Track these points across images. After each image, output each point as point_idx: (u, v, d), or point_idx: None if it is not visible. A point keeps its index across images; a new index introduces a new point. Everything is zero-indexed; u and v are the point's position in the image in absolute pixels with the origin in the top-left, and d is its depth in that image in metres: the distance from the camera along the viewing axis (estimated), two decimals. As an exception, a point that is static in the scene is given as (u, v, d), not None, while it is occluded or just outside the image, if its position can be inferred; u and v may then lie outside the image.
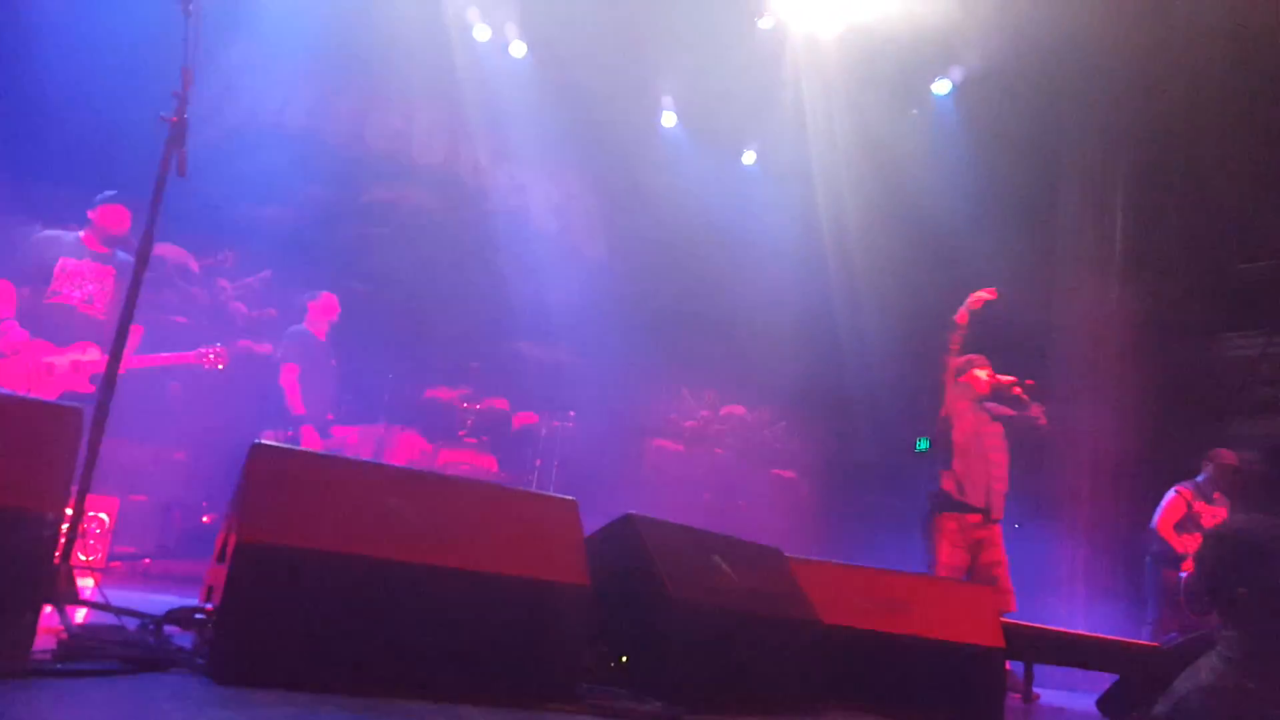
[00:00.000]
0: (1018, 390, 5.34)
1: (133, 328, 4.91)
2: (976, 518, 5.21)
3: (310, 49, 7.30)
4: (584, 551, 2.57)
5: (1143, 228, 8.72)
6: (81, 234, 4.92)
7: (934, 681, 3.36)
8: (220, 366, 5.14)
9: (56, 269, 4.77)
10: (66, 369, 4.70)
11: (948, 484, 5.27)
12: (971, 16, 7.59)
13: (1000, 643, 3.46)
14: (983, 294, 5.29)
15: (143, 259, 2.99)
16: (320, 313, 6.09)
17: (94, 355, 4.72)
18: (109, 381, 2.90)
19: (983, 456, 5.27)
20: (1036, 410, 5.34)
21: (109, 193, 4.98)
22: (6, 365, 4.65)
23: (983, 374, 5.41)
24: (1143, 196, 8.75)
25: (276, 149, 7.21)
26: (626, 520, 2.91)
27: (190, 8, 3.05)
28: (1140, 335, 8.63)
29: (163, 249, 6.97)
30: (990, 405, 5.46)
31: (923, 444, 9.44)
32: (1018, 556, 7.79)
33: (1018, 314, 8.40)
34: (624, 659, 2.76)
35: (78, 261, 4.84)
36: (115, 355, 2.95)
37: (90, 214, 4.92)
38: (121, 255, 5.00)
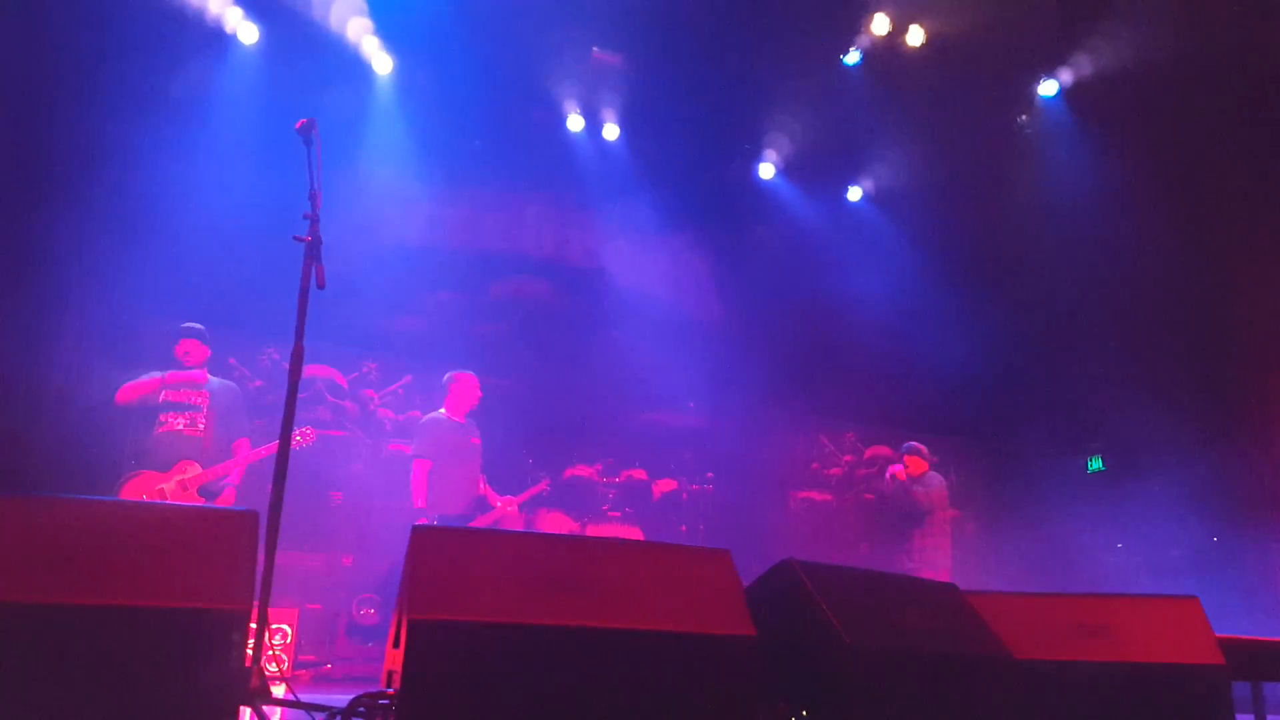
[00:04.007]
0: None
1: (240, 442, 5.36)
2: None
3: (419, 168, 7.80)
4: (744, 601, 2.49)
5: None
6: (173, 370, 5.42)
7: (1148, 710, 3.05)
8: (305, 444, 5.40)
9: (160, 401, 5.28)
10: (175, 489, 5.15)
11: None
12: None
13: (1220, 659, 3.12)
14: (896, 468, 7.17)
15: (295, 371, 3.20)
16: (460, 394, 6.14)
17: (195, 470, 5.20)
18: (277, 498, 3.02)
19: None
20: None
21: (184, 326, 5.50)
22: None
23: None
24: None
25: (400, 263, 7.65)
26: (785, 566, 2.80)
27: (312, 136, 3.32)
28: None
29: (312, 369, 7.46)
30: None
31: (1095, 463, 8.83)
32: (1222, 568, 7.11)
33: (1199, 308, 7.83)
34: (804, 714, 2.63)
35: (176, 392, 5.35)
36: (280, 475, 3.06)
37: (175, 349, 5.42)
38: (214, 380, 5.53)
